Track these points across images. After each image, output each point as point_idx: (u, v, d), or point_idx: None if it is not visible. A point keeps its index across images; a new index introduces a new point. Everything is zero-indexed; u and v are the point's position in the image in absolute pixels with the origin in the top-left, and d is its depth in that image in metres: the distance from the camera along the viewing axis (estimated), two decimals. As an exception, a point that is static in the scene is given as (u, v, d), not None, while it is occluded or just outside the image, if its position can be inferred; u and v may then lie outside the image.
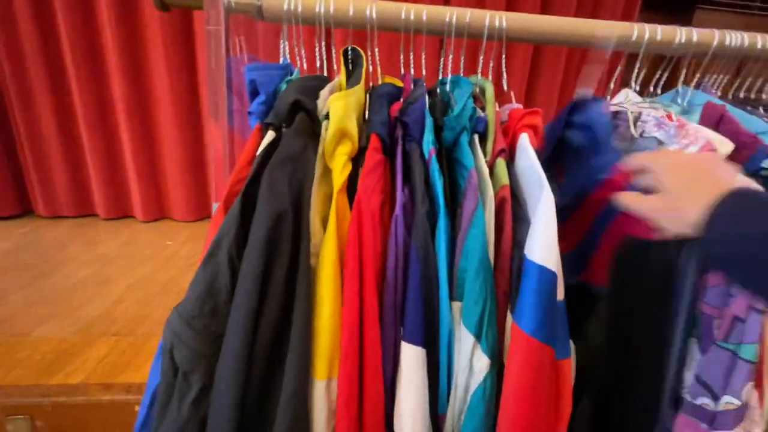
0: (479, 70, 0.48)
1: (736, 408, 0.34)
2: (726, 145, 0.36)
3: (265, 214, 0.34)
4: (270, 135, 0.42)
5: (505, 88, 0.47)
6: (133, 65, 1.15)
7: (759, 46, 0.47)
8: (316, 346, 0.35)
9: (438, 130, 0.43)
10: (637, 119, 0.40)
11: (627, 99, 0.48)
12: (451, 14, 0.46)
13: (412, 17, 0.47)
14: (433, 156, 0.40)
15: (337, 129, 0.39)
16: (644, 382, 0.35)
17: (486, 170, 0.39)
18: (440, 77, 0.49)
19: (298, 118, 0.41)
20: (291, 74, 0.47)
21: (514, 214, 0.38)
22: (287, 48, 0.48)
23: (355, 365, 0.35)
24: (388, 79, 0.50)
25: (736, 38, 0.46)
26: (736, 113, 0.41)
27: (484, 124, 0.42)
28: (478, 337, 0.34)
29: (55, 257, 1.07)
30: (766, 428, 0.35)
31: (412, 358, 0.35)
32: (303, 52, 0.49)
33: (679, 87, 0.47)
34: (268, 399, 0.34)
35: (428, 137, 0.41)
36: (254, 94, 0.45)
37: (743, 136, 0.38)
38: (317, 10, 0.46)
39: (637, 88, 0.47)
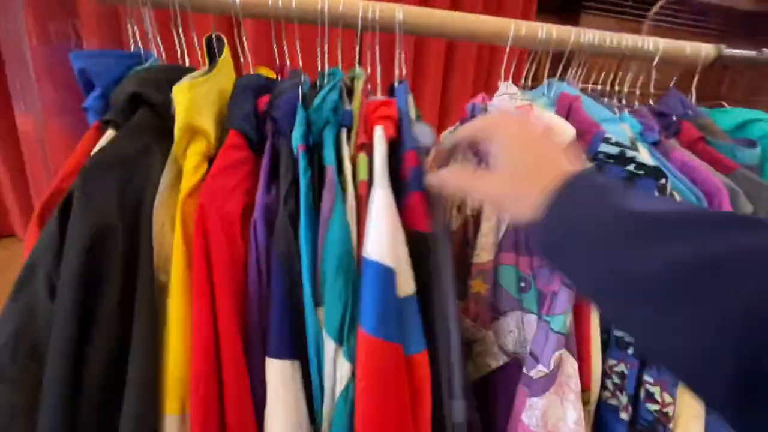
0: (356, 61, 0.46)
1: (545, 375, 0.36)
2: (566, 132, 0.38)
3: (79, 234, 0.28)
4: (110, 134, 0.36)
5: (372, 75, 0.46)
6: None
7: (613, 43, 0.51)
8: (167, 377, 0.31)
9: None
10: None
11: (504, 92, 0.50)
12: (323, 4, 0.44)
13: (280, 4, 0.43)
14: (302, 152, 0.37)
15: (185, 125, 0.34)
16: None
17: (349, 167, 0.37)
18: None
19: (139, 113, 0.35)
20: (141, 64, 0.41)
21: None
22: (137, 34, 0.42)
23: (210, 393, 0.30)
24: (261, 70, 0.46)
25: (591, 37, 0.50)
26: (587, 103, 0.45)
27: (350, 117, 0.40)
28: (339, 342, 0.32)
29: None
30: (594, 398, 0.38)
31: (278, 373, 0.32)
32: (159, 39, 0.43)
33: (547, 80, 0.50)
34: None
35: (298, 132, 0.38)
36: (88, 86, 0.38)
37: (584, 123, 0.41)
38: (166, -9, 0.40)
39: (510, 81, 0.49)
